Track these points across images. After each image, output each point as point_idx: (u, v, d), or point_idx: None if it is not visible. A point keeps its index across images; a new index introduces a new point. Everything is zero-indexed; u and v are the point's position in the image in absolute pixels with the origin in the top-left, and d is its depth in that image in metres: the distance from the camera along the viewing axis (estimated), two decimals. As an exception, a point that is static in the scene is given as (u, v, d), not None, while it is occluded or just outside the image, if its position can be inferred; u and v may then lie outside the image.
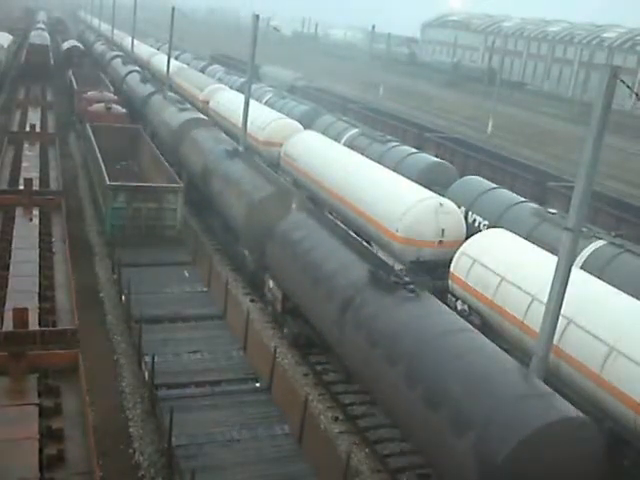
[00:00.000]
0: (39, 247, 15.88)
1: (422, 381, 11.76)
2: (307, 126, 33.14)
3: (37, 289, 13.66)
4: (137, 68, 48.58)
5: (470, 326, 13.14)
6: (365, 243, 17.37)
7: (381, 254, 19.67)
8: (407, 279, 14.08)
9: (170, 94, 37.18)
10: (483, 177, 25.33)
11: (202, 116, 31.74)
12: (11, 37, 63.18)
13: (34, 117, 31.98)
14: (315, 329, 16.22)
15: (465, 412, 10.84)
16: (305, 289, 16.14)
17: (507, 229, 18.79)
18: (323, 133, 31.11)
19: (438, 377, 11.60)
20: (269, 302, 18.93)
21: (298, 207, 19.74)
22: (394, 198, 20.87)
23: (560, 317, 12.72)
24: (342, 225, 18.24)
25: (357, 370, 14.10)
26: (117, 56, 55.49)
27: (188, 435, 11.55)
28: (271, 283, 18.42)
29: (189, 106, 34.02)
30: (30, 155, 24.39)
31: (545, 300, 12.84)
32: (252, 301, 20.19)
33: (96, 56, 63.30)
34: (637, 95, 14.10)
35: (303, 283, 16.22)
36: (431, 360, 11.96)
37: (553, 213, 20.35)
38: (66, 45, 61.63)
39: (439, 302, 14.00)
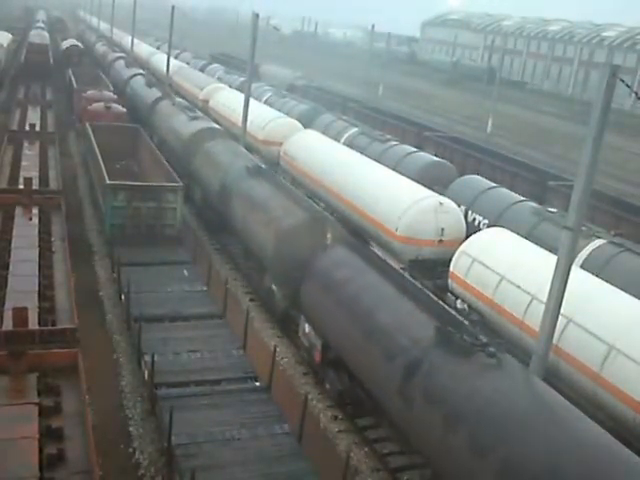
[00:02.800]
0: (39, 246, 15.88)
1: None
2: (307, 125, 33.14)
3: (37, 288, 13.66)
4: (141, 71, 46.33)
5: (572, 405, 10.51)
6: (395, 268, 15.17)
7: (381, 253, 19.68)
8: (483, 338, 11.66)
9: (179, 100, 35.17)
10: (483, 176, 25.34)
11: (215, 125, 29.51)
12: (10, 36, 63.15)
13: (34, 116, 31.99)
14: (366, 390, 13.73)
15: None
16: (353, 343, 13.63)
17: (507, 228, 18.79)
18: (323, 132, 31.11)
19: None
20: (304, 349, 16.54)
21: (337, 238, 17.27)
22: (394, 197, 20.87)
23: (560, 316, 12.73)
24: (393, 264, 15.50)
25: (432, 455, 11.29)
26: (120, 58, 53.75)
27: (188, 434, 11.54)
28: (307, 327, 16.03)
29: (200, 114, 31.71)
30: (30, 154, 24.39)
31: (545, 299, 12.85)
32: (252, 300, 20.18)
33: (97, 57, 62.61)
34: (637, 94, 14.09)
35: (350, 335, 13.72)
36: (539, 458, 9.24)
37: (553, 212, 20.35)
38: (65, 44, 61.54)
39: (524, 368, 11.64)
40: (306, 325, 16.09)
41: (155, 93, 36.46)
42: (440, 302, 13.54)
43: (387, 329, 12.76)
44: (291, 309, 17.57)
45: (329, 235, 17.34)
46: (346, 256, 15.61)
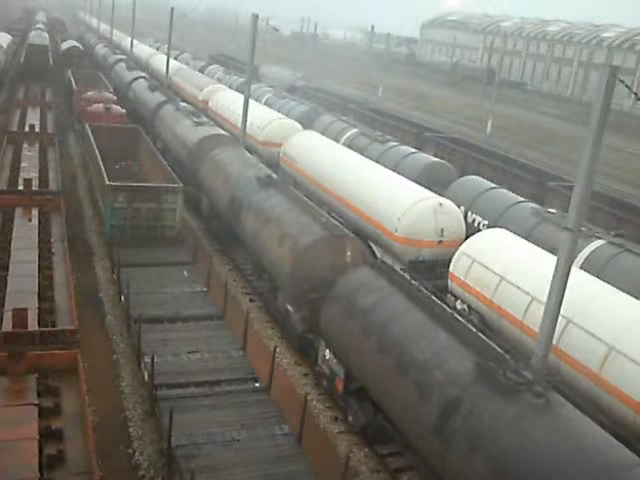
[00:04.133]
0: (38, 247, 15.89)
1: None
2: (306, 126, 33.17)
3: (36, 289, 13.67)
4: (144, 74, 45.34)
5: (631, 453, 9.67)
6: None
7: (381, 254, 19.69)
8: (527, 375, 10.71)
9: (183, 104, 34.22)
10: (482, 177, 25.35)
11: (222, 132, 28.57)
12: (10, 37, 63.16)
13: (33, 117, 31.98)
14: (395, 425, 12.76)
15: None
16: (380, 375, 12.70)
17: (507, 229, 18.80)
18: (322, 133, 31.13)
19: None
20: (324, 376, 15.32)
21: (359, 258, 16.23)
22: (393, 198, 20.87)
23: (559, 317, 12.73)
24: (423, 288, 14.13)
25: None
26: (121, 60, 52.59)
27: (188, 435, 11.55)
28: (327, 354, 14.93)
29: (206, 119, 30.64)
30: (29, 155, 24.40)
31: (544, 300, 12.84)
32: (251, 301, 20.18)
33: (98, 59, 61.89)
34: (636, 95, 14.09)
35: (377, 366, 12.78)
36: None
37: (552, 213, 20.36)
38: (65, 45, 61.53)
39: (575, 409, 10.50)
40: (327, 351, 14.97)
41: (158, 97, 35.54)
42: (478, 332, 12.30)
43: (420, 362, 11.79)
44: (309, 332, 16.49)
45: (349, 253, 16.36)
46: (371, 278, 14.46)
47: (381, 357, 12.66)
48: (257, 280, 20.46)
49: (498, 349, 11.80)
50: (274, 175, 22.41)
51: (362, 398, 13.79)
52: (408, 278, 14.46)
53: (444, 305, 13.55)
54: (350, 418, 14.37)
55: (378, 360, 12.74)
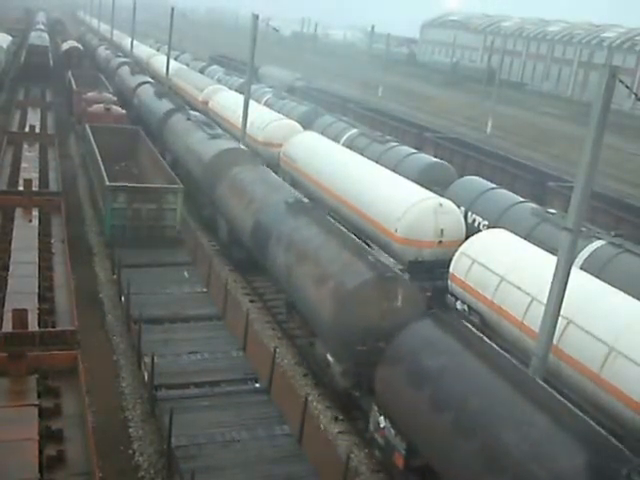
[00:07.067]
0: (38, 248, 15.90)
1: None
2: (306, 127, 33.17)
3: (37, 290, 13.68)
4: (149, 79, 42.74)
5: None
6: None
7: (380, 254, 19.67)
8: None
9: (194, 113, 31.74)
10: (482, 177, 25.34)
11: (240, 146, 26.35)
12: (10, 38, 63.20)
13: (33, 118, 32.00)
14: None
15: None
16: (459, 463, 10.45)
17: (507, 229, 18.80)
18: (322, 133, 31.13)
19: None
20: (377, 447, 12.97)
21: (413, 304, 14.31)
22: (393, 198, 20.88)
23: (560, 317, 12.74)
24: (494, 345, 12.36)
25: None
26: (124, 63, 50.14)
27: (188, 436, 11.54)
28: (383, 421, 12.72)
29: (220, 131, 28.18)
30: (29, 156, 24.41)
31: (545, 300, 12.85)
32: (252, 302, 20.19)
33: (100, 61, 60.54)
34: (636, 95, 14.10)
35: (454, 452, 10.53)
36: None
37: (553, 213, 20.37)
38: (65, 46, 61.50)
39: None
40: (381, 418, 12.78)
41: (166, 105, 33.12)
42: (579, 412, 10.33)
43: (517, 457, 9.55)
44: (354, 389, 14.46)
45: (401, 298, 14.32)
46: (437, 335, 12.31)
47: (460, 442, 10.46)
48: (287, 320, 18.26)
49: (611, 438, 9.66)
50: (304, 199, 20.05)
51: (428, 477, 11.53)
52: (480, 335, 12.48)
53: (530, 373, 11.79)
54: None
55: (456, 444, 10.53)
